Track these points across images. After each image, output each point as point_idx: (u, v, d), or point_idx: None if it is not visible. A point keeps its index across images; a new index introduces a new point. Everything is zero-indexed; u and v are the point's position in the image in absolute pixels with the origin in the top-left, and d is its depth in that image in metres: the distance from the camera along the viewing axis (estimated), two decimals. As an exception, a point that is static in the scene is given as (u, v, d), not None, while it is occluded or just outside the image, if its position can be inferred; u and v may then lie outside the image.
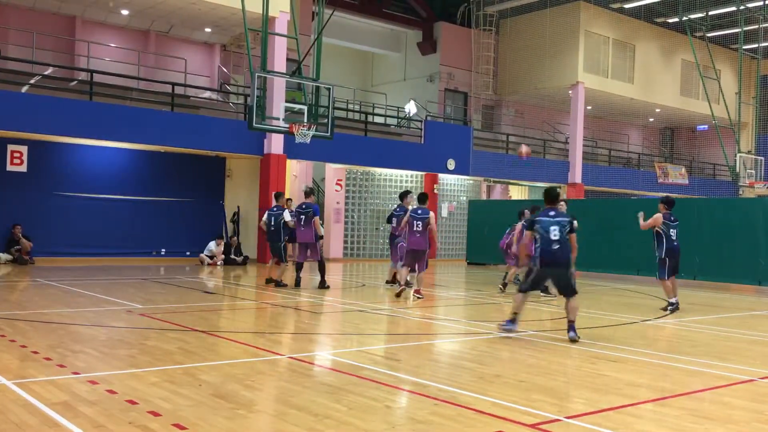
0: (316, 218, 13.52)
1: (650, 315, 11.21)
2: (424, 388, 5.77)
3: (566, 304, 8.44)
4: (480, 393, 5.63)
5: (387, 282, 14.79)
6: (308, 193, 13.99)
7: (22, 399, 5.02)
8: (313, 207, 13.56)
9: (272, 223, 13.89)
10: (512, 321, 8.67)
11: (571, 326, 8.33)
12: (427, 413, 5.00)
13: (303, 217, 13.52)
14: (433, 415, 4.96)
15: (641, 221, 11.74)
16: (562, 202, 13.24)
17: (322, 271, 13.79)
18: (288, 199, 20.58)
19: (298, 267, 13.87)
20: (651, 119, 37.03)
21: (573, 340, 8.19)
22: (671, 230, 11.45)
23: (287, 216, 13.71)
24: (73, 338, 7.67)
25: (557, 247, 8.37)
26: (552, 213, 8.54)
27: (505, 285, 14.11)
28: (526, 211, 13.55)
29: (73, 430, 4.36)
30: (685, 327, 10.13)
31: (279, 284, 13.64)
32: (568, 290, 8.48)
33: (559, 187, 28.02)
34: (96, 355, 6.84)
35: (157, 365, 6.37)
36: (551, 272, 8.56)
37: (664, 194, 20.48)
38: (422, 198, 12.89)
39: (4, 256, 17.27)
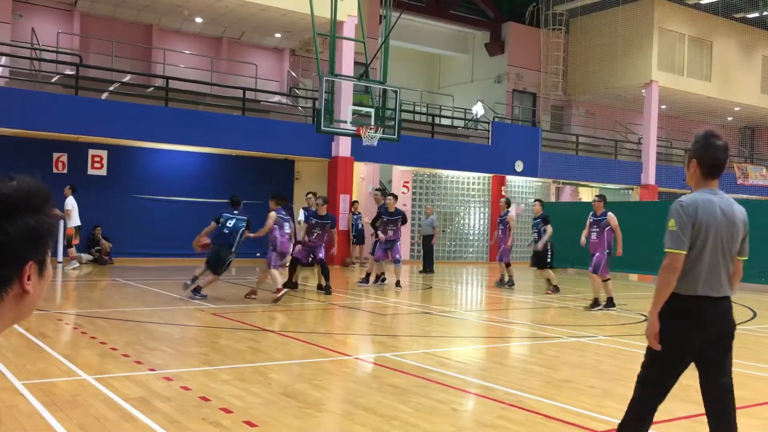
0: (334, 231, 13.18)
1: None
2: (491, 392, 5.72)
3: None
4: (548, 398, 5.54)
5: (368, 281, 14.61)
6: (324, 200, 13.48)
7: (102, 394, 5.23)
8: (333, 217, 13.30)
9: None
10: None
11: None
12: (494, 417, 4.96)
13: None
14: (500, 418, 4.91)
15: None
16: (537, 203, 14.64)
17: (326, 275, 13.00)
18: (354, 201, 20.82)
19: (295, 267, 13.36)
20: (730, 118, 35.64)
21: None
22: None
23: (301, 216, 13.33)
24: (150, 336, 7.94)
25: None
26: None
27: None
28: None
29: (149, 425, 4.52)
30: (765, 334, 9.71)
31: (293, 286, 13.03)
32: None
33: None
34: (171, 352, 7.06)
35: (229, 363, 6.52)
36: None
37: (744, 196, 19.71)
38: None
39: (86, 257, 18.00)
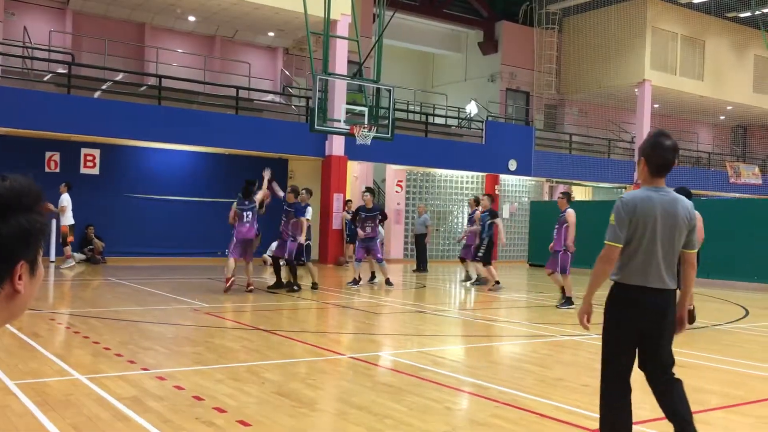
0: (302, 219, 12.98)
1: (721, 319, 10.84)
2: (485, 391, 5.73)
3: None
4: (542, 396, 5.55)
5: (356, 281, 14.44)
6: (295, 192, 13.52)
7: (94, 393, 5.21)
8: (299, 206, 13.21)
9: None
10: None
11: None
12: (488, 415, 4.97)
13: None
14: (494, 417, 4.92)
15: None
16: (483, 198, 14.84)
17: (294, 272, 13.12)
18: (348, 200, 20.82)
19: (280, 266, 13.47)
20: (722, 117, 35.77)
21: None
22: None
23: (309, 214, 13.14)
24: (143, 335, 7.92)
25: None
26: None
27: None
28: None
29: (142, 425, 4.50)
30: (757, 332, 9.75)
31: (315, 286, 13.18)
32: None
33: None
34: (164, 352, 7.05)
35: (222, 363, 6.51)
36: None
37: (737, 195, 19.79)
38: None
39: (78, 256, 17.94)
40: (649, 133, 4.04)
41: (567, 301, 11.50)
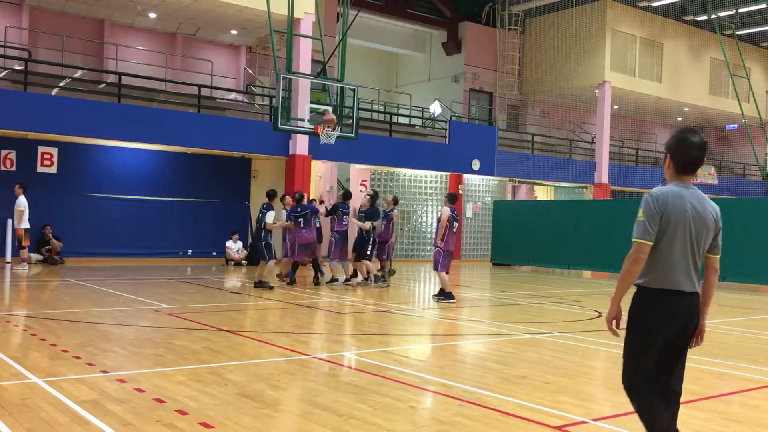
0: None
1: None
2: (449, 389, 5.76)
3: None
4: (505, 394, 5.60)
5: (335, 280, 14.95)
6: (300, 197, 14.31)
7: (52, 397, 5.11)
8: (309, 207, 14.23)
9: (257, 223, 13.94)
10: None
11: None
12: (452, 414, 5.00)
13: (301, 219, 13.97)
14: (458, 416, 4.95)
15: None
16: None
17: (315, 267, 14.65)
18: (312, 200, 20.71)
19: (296, 266, 14.45)
20: (679, 118, 36.55)
21: None
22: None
23: (269, 218, 13.40)
24: (102, 337, 7.78)
25: None
26: None
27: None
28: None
29: (102, 428, 4.42)
30: (715, 329, 9.98)
31: (262, 284, 13.39)
32: None
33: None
34: (124, 354, 6.93)
35: (184, 364, 6.43)
36: None
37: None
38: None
39: (35, 257, 17.55)
40: (675, 129, 3.82)
41: (447, 295, 12.09)
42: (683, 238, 3.57)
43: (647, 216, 3.56)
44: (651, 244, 3.55)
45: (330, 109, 16.05)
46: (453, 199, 12.41)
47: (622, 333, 3.74)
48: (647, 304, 3.62)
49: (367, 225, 14.19)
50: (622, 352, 3.79)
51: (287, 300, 12.00)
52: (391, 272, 15.72)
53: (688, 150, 3.66)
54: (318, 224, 19.98)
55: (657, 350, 3.65)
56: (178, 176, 20.21)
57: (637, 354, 3.68)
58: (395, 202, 15.09)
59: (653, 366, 3.68)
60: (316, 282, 14.52)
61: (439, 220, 12.27)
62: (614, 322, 3.70)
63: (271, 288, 13.30)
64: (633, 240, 3.59)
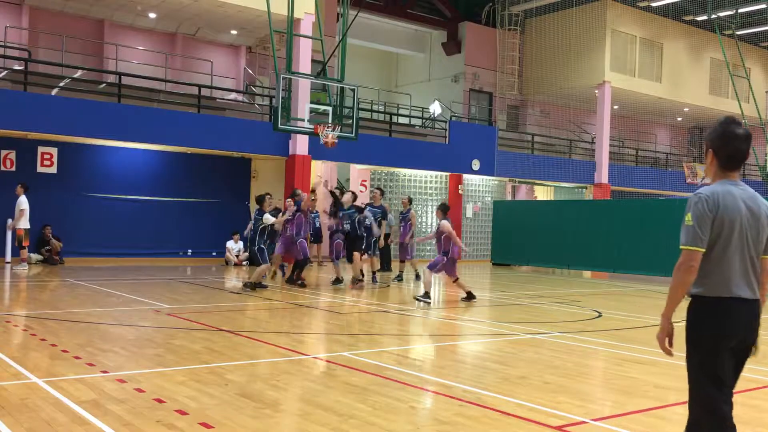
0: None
1: (678, 317, 11.05)
2: (449, 389, 5.75)
3: None
4: (505, 394, 5.60)
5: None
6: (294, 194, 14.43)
7: (52, 397, 5.10)
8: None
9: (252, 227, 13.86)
10: None
11: None
12: (452, 414, 4.99)
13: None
14: (458, 416, 4.95)
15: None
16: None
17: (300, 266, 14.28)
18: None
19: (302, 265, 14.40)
20: (679, 118, 36.56)
21: None
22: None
23: (269, 219, 13.39)
24: (102, 337, 7.78)
25: None
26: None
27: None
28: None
29: (102, 428, 4.42)
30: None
31: (257, 286, 13.32)
32: None
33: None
34: (124, 354, 6.93)
35: (184, 364, 6.43)
36: None
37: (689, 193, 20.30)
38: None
39: (35, 257, 17.55)
40: (717, 120, 3.46)
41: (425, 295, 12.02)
42: (740, 241, 3.24)
43: (697, 220, 3.20)
44: (703, 251, 3.20)
45: (330, 133, 16.06)
46: (447, 209, 12.38)
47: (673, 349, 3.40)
48: (707, 315, 3.26)
49: (327, 220, 14.42)
50: (687, 377, 3.38)
51: (287, 300, 12.00)
52: (417, 276, 15.93)
53: (733, 143, 3.32)
54: (318, 224, 20.04)
55: (725, 363, 3.29)
56: (178, 176, 20.21)
57: (711, 371, 3.29)
58: (410, 201, 15.63)
59: (726, 394, 3.32)
60: (290, 280, 14.28)
61: (439, 234, 11.95)
62: (667, 340, 3.33)
63: (265, 287, 13.30)
64: (682, 247, 3.22)
